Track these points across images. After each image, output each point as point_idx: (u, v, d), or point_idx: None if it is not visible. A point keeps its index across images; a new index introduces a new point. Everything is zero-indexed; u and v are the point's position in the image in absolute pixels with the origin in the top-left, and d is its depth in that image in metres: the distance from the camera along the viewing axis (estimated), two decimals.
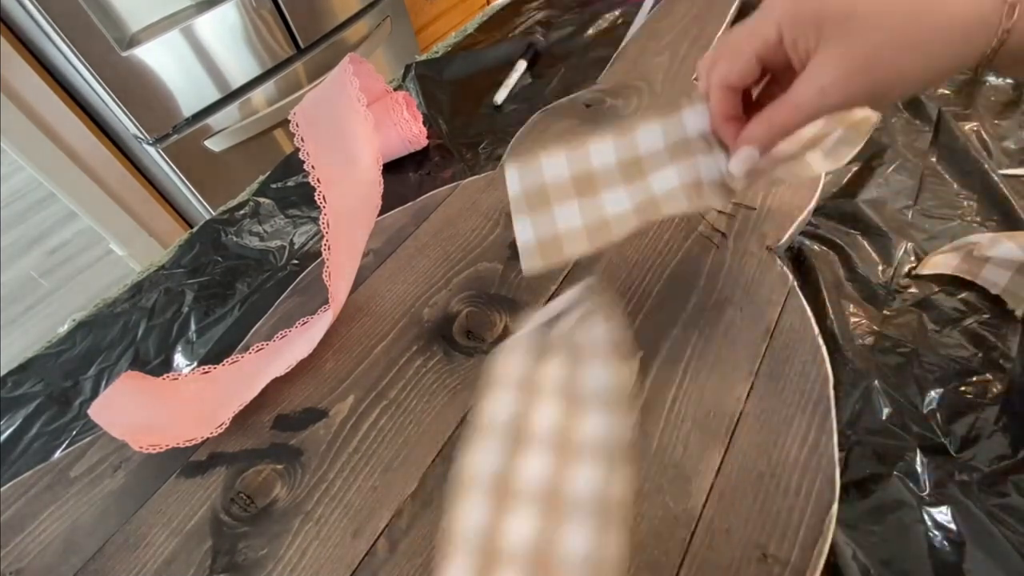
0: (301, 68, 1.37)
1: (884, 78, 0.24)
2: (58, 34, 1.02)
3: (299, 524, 0.32)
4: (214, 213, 0.55)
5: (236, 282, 0.48)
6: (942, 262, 0.37)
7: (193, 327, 0.45)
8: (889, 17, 0.23)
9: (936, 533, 0.27)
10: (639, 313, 0.38)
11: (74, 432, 0.40)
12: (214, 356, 0.42)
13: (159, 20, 1.14)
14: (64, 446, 0.39)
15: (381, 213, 0.42)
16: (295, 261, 0.48)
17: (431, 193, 0.49)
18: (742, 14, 0.64)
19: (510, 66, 0.63)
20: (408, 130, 0.53)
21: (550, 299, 0.39)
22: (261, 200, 0.55)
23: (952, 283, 0.36)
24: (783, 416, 0.31)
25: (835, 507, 0.28)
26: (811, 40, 0.25)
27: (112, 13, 1.07)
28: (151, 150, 1.24)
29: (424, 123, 0.56)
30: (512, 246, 0.43)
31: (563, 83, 0.60)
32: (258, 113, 1.33)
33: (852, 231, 0.41)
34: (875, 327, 0.35)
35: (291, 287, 0.45)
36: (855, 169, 0.44)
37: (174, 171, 1.28)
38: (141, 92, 1.15)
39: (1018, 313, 0.34)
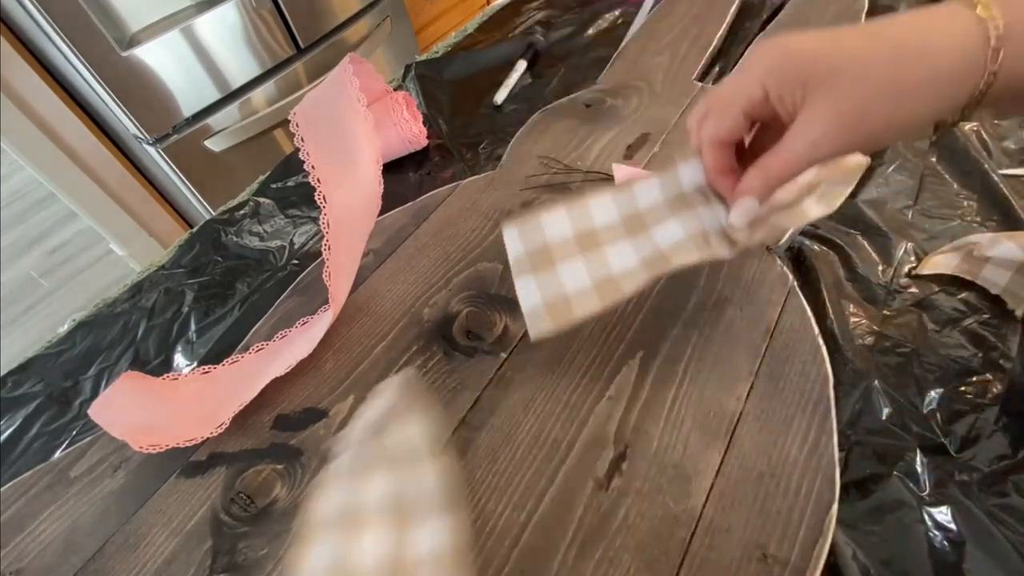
0: (301, 68, 1.37)
1: (874, 128, 0.24)
2: (58, 34, 1.02)
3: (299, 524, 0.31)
4: (214, 213, 0.55)
5: (236, 282, 0.48)
6: (942, 262, 0.37)
7: (193, 327, 0.45)
8: (874, 70, 0.23)
9: (936, 533, 0.27)
10: (639, 313, 0.38)
11: (74, 432, 0.40)
12: (214, 356, 0.42)
13: (159, 20, 1.14)
14: (64, 446, 0.39)
15: (381, 213, 0.42)
16: (295, 261, 0.48)
17: (431, 193, 0.49)
18: (742, 14, 0.64)
19: (510, 66, 0.63)
20: (408, 130, 0.53)
21: None
22: (261, 200, 0.55)
23: (952, 283, 0.36)
24: (783, 416, 0.31)
25: (835, 507, 0.28)
26: (797, 96, 0.25)
27: (112, 13, 1.07)
28: (151, 150, 1.24)
29: (424, 123, 0.56)
30: None
31: (563, 83, 0.60)
32: (258, 113, 1.33)
33: (852, 231, 0.41)
34: (875, 327, 0.35)
35: (291, 287, 0.45)
36: None
37: (174, 171, 1.28)
38: (141, 92, 1.15)
39: (1018, 313, 0.34)
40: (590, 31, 0.68)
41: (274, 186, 0.56)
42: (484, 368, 0.36)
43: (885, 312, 0.36)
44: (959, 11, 0.23)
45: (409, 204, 0.49)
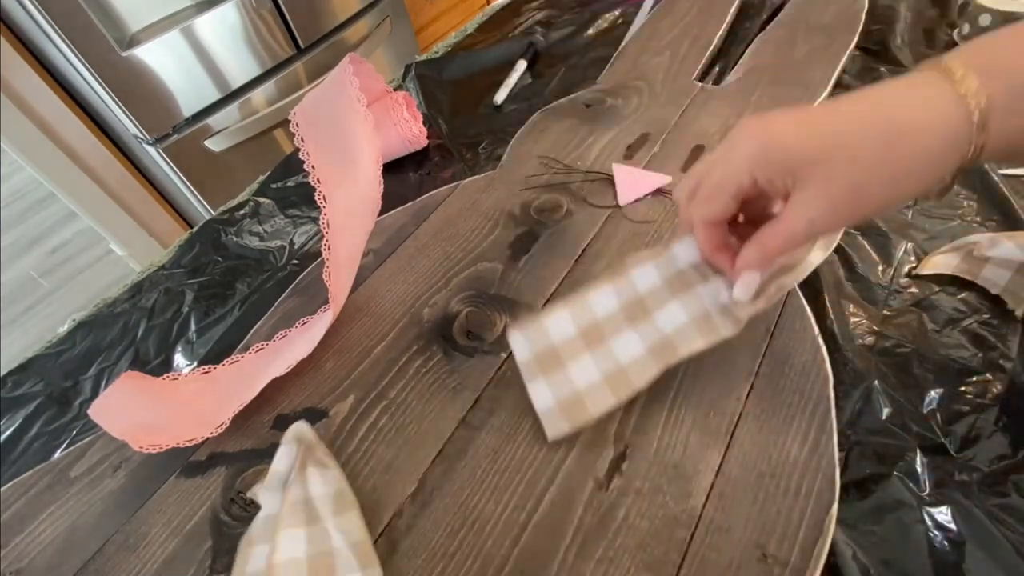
0: (301, 68, 1.37)
1: (868, 206, 0.24)
2: (58, 34, 1.02)
3: None
4: (214, 213, 0.55)
5: (236, 282, 0.48)
6: (942, 262, 0.37)
7: (193, 327, 0.45)
8: (861, 152, 0.23)
9: (936, 533, 0.27)
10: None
11: (74, 432, 0.40)
12: (214, 356, 0.42)
13: (159, 20, 1.14)
14: (64, 446, 0.39)
15: (381, 213, 0.42)
16: (295, 261, 0.48)
17: (431, 193, 0.49)
18: (742, 14, 0.64)
19: (510, 66, 0.63)
20: (408, 130, 0.53)
21: (550, 299, 0.39)
22: (261, 200, 0.55)
23: (952, 283, 0.36)
24: (783, 416, 0.31)
25: (835, 507, 0.28)
26: (788, 181, 0.25)
27: (112, 13, 1.07)
28: (151, 150, 1.24)
29: (424, 123, 0.56)
30: (512, 245, 0.43)
31: (563, 83, 0.60)
32: (258, 113, 1.33)
33: (852, 231, 0.41)
34: (875, 327, 0.35)
35: (291, 287, 0.45)
36: None
37: (174, 171, 1.28)
38: (141, 92, 1.15)
39: (1018, 313, 0.34)
40: (590, 31, 0.68)
41: (274, 186, 0.56)
42: (484, 368, 0.36)
43: (885, 312, 0.36)
44: (939, 85, 0.23)
45: (409, 204, 0.49)
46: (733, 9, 0.63)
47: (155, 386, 0.38)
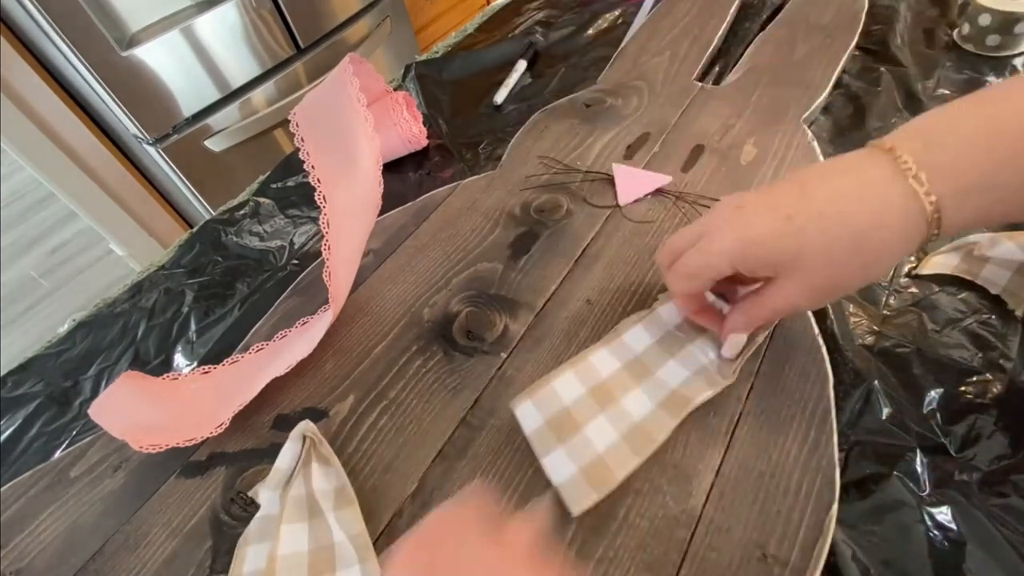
0: (301, 68, 1.37)
1: (845, 288, 0.28)
2: (58, 34, 1.02)
3: None
4: (214, 213, 0.55)
5: (236, 282, 0.48)
6: (942, 262, 0.37)
7: (193, 327, 0.45)
8: (834, 250, 0.26)
9: (936, 533, 0.27)
10: (639, 313, 0.37)
11: (74, 432, 0.40)
12: (214, 356, 0.42)
13: (159, 20, 1.14)
14: (64, 446, 0.39)
15: (381, 213, 0.42)
16: (295, 261, 0.48)
17: (431, 193, 0.49)
18: (742, 14, 0.64)
19: (510, 66, 0.63)
20: (408, 130, 0.53)
21: (549, 299, 0.39)
22: (261, 200, 0.55)
23: (952, 283, 0.36)
24: (783, 416, 0.31)
25: (835, 507, 0.28)
26: (767, 273, 0.28)
27: (112, 13, 1.07)
28: (151, 150, 1.24)
29: (424, 123, 0.56)
30: (512, 245, 0.43)
31: (563, 83, 0.60)
32: (258, 113, 1.33)
33: None
34: (875, 327, 0.35)
35: (291, 287, 0.45)
36: None
37: (174, 171, 1.28)
38: (141, 92, 1.15)
39: (1018, 313, 0.34)
40: (590, 31, 0.68)
41: (274, 186, 0.56)
42: (484, 368, 0.36)
43: (885, 312, 0.36)
44: (894, 185, 0.25)
45: (409, 204, 0.49)
46: (733, 9, 0.63)
47: (155, 386, 0.38)
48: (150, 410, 0.37)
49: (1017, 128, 0.24)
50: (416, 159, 0.55)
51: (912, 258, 0.39)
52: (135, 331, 0.46)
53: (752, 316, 0.30)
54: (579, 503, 0.28)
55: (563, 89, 0.59)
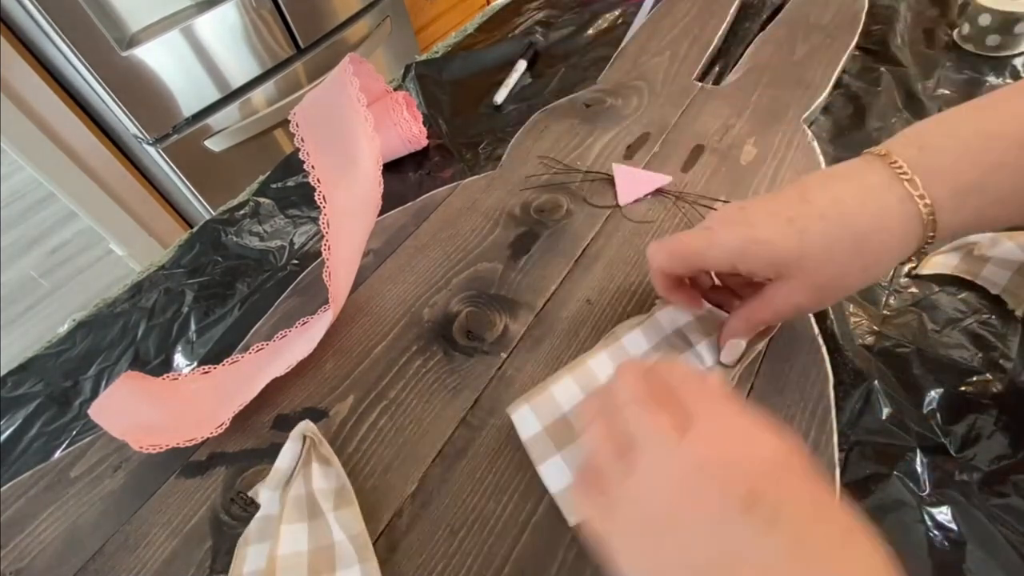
0: (301, 68, 1.37)
1: (847, 288, 0.28)
2: (58, 34, 1.02)
3: None
4: (214, 213, 0.55)
5: (236, 282, 0.48)
6: (942, 262, 0.37)
7: (193, 327, 0.45)
8: (836, 251, 0.26)
9: (936, 533, 0.27)
10: (640, 312, 0.37)
11: (74, 432, 0.40)
12: (214, 356, 0.42)
13: (159, 20, 1.14)
14: (64, 446, 0.39)
15: (381, 213, 0.42)
16: (295, 261, 0.48)
17: (431, 193, 0.49)
18: (742, 14, 0.64)
19: (510, 66, 0.63)
20: (408, 130, 0.53)
21: (549, 299, 0.39)
22: (261, 200, 0.55)
23: (952, 283, 0.36)
24: (783, 416, 0.31)
25: None
26: (769, 273, 0.28)
27: (112, 13, 1.07)
28: (151, 150, 1.24)
29: (424, 123, 0.56)
30: (512, 245, 0.43)
31: (563, 83, 0.60)
32: (258, 113, 1.33)
33: None
34: (875, 327, 0.35)
35: (291, 287, 0.45)
36: None
37: (174, 171, 1.28)
38: (141, 92, 1.15)
39: (1018, 313, 0.34)
40: (590, 31, 0.68)
41: (274, 186, 0.56)
42: (484, 368, 0.36)
43: (885, 312, 0.36)
44: (891, 190, 0.26)
45: (409, 204, 0.49)
46: (733, 9, 0.63)
47: (155, 386, 0.38)
48: (150, 410, 0.37)
49: (1009, 133, 0.25)
50: (416, 159, 0.55)
51: (912, 258, 0.39)
52: (135, 331, 0.46)
53: (753, 319, 0.30)
54: (575, 512, 0.28)
55: (563, 89, 0.59)
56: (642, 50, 0.61)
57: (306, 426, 0.33)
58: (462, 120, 0.59)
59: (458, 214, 0.47)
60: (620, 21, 0.68)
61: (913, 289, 0.37)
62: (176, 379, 0.39)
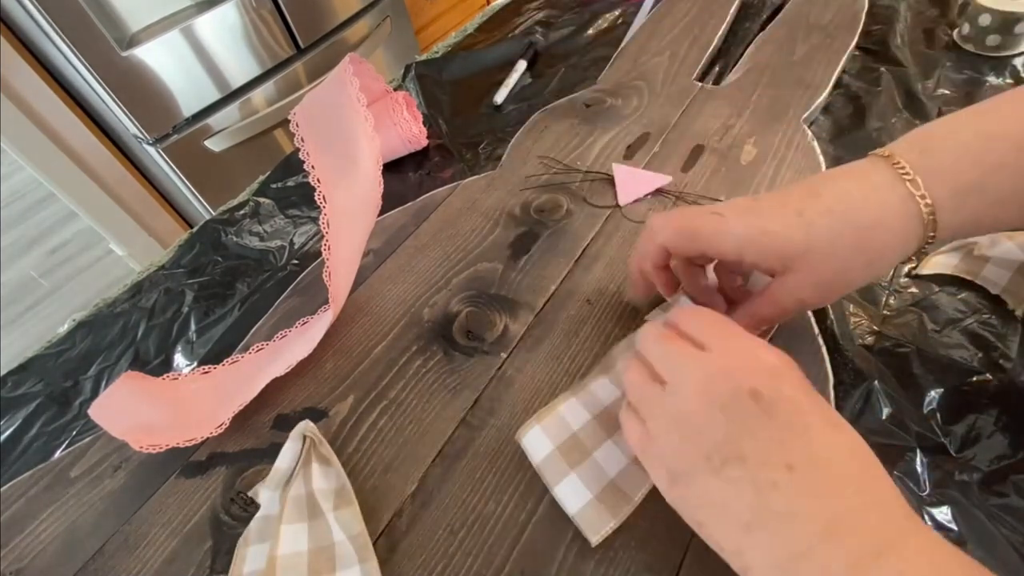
0: (301, 68, 1.38)
1: (850, 284, 0.29)
2: (58, 34, 1.02)
3: None
4: (214, 213, 0.55)
5: (236, 282, 0.48)
6: (942, 262, 0.37)
7: (193, 327, 0.45)
8: (840, 246, 0.27)
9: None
10: (639, 314, 0.38)
11: (74, 432, 0.40)
12: (214, 356, 0.42)
13: (159, 20, 1.14)
14: (64, 446, 0.39)
15: (381, 213, 0.42)
16: (295, 261, 0.48)
17: (431, 193, 0.50)
18: (742, 14, 0.64)
19: (510, 66, 0.63)
20: (408, 130, 0.53)
21: (549, 299, 0.39)
22: (261, 200, 0.55)
23: (952, 283, 0.36)
24: None
25: None
26: (774, 265, 0.28)
27: (112, 13, 1.07)
28: (151, 150, 1.24)
29: (424, 123, 0.56)
30: (512, 245, 0.43)
31: (563, 83, 0.60)
32: (258, 113, 1.33)
33: None
34: (875, 327, 0.35)
35: (291, 287, 0.45)
36: None
37: (174, 171, 1.28)
38: (141, 92, 1.15)
39: (1018, 313, 0.34)
40: (590, 31, 0.68)
41: (274, 186, 0.56)
42: (484, 368, 0.36)
43: (885, 312, 0.36)
44: (893, 188, 0.26)
45: (409, 204, 0.49)
46: (733, 9, 0.63)
47: (155, 386, 0.38)
48: (150, 410, 0.37)
49: (1010, 135, 0.26)
50: (416, 159, 0.55)
51: (912, 258, 0.39)
52: (135, 331, 0.46)
53: (756, 315, 0.30)
54: (597, 531, 0.28)
55: (563, 89, 0.59)
56: (642, 50, 0.61)
57: (306, 426, 0.33)
58: (462, 120, 0.59)
59: (458, 214, 0.47)
60: (620, 21, 0.68)
61: (913, 289, 0.37)
62: (176, 379, 0.39)
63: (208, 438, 0.35)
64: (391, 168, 0.54)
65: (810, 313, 0.35)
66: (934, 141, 0.27)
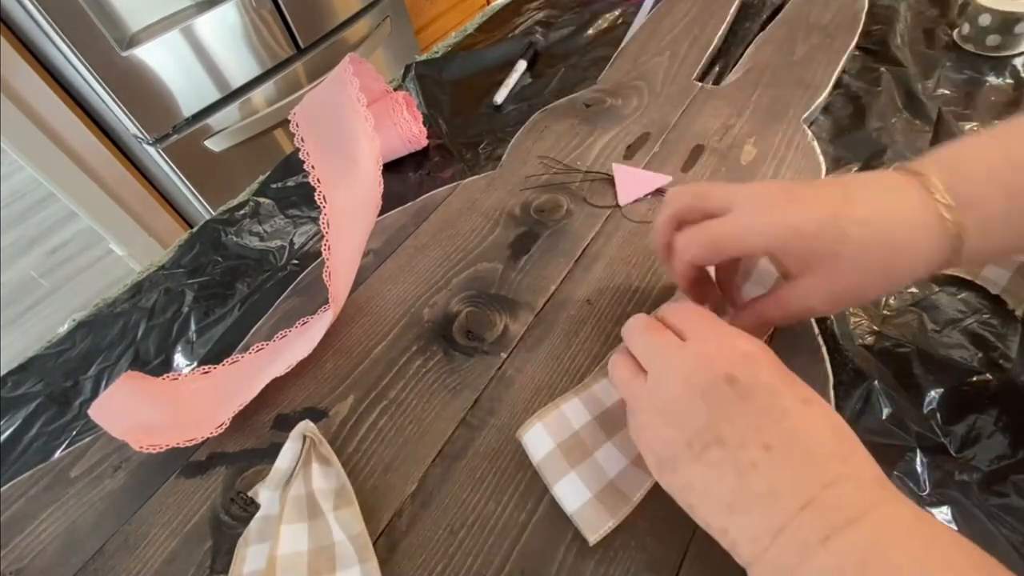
0: (301, 68, 1.38)
1: (864, 299, 0.29)
2: (58, 34, 1.02)
3: None
4: (214, 213, 0.55)
5: (236, 282, 0.48)
6: None
7: (193, 327, 0.45)
8: (867, 259, 0.27)
9: None
10: (639, 313, 0.37)
11: (74, 432, 0.40)
12: (214, 356, 0.42)
13: (159, 20, 1.14)
14: (64, 446, 0.39)
15: (381, 213, 0.42)
16: (295, 261, 0.48)
17: (431, 193, 0.50)
18: (742, 14, 0.64)
19: (510, 66, 0.63)
20: (408, 130, 0.53)
21: (549, 299, 0.39)
22: (261, 200, 0.55)
23: (952, 283, 0.36)
24: None
25: None
26: (798, 267, 0.28)
27: (112, 13, 1.07)
28: (151, 150, 1.24)
29: (424, 123, 0.56)
30: (512, 245, 0.43)
31: (563, 83, 0.60)
32: (258, 113, 1.33)
33: None
34: (875, 327, 0.35)
35: (291, 287, 0.45)
36: (855, 169, 0.44)
37: (174, 171, 1.28)
38: (141, 92, 1.15)
39: (1018, 313, 0.34)
40: (590, 31, 0.68)
41: (274, 186, 0.56)
42: (484, 368, 0.36)
43: (885, 312, 0.36)
44: (926, 208, 0.26)
45: (409, 204, 0.49)
46: (733, 9, 0.63)
47: (155, 386, 0.38)
48: (150, 410, 0.37)
49: None
50: (416, 159, 0.55)
51: None
52: (135, 331, 0.46)
53: (762, 317, 0.30)
54: (595, 530, 0.28)
55: (563, 89, 0.59)
56: (642, 50, 0.61)
57: (306, 426, 0.33)
58: (462, 120, 0.59)
59: (458, 214, 0.47)
60: (620, 21, 0.68)
61: (913, 289, 0.37)
62: (176, 379, 0.39)
63: (208, 438, 0.35)
64: (391, 168, 0.54)
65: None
66: (964, 165, 0.27)
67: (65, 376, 0.44)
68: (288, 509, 0.30)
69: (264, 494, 0.31)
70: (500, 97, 0.60)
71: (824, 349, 0.34)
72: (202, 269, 0.49)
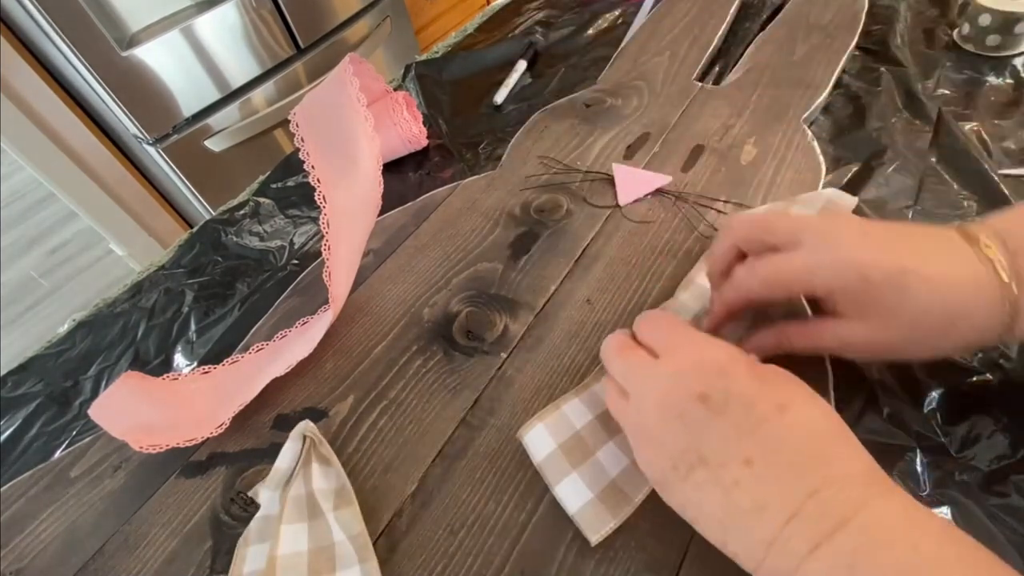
0: (301, 68, 1.38)
1: (898, 354, 0.28)
2: (58, 34, 1.02)
3: None
4: (214, 213, 0.55)
5: (236, 282, 0.48)
6: None
7: (193, 327, 0.45)
8: (927, 320, 0.25)
9: None
10: (638, 313, 0.37)
11: (74, 432, 0.40)
12: (214, 356, 0.42)
13: (159, 20, 1.15)
14: (64, 446, 0.39)
15: (381, 213, 0.42)
16: (295, 261, 0.48)
17: (431, 193, 0.50)
18: (742, 14, 0.64)
19: (510, 66, 0.63)
20: (408, 130, 0.53)
21: (549, 299, 0.39)
22: (261, 200, 0.55)
23: None
24: None
25: None
26: (847, 310, 0.27)
27: (112, 13, 1.07)
28: (151, 150, 1.24)
29: (424, 123, 0.56)
30: (512, 245, 0.43)
31: (563, 83, 0.60)
32: (258, 113, 1.33)
33: None
34: None
35: (291, 287, 0.45)
36: (855, 169, 0.44)
37: (174, 171, 1.28)
38: (141, 92, 1.15)
39: None
40: (590, 31, 0.68)
41: (274, 186, 0.56)
42: (484, 368, 0.36)
43: None
44: (989, 277, 0.24)
45: (409, 204, 0.49)
46: (733, 9, 0.63)
47: (155, 386, 0.38)
48: (150, 410, 0.37)
49: None
50: (416, 159, 0.55)
51: None
52: (135, 331, 0.46)
53: (789, 341, 0.30)
54: (597, 530, 0.28)
55: (563, 89, 0.59)
56: (642, 50, 0.61)
57: (306, 426, 0.33)
58: (462, 120, 0.59)
59: (458, 214, 0.47)
60: (620, 21, 0.68)
61: None
62: (176, 379, 0.39)
63: (208, 438, 0.35)
64: (391, 168, 0.54)
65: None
66: (1020, 242, 0.25)
67: (65, 376, 0.44)
68: (288, 509, 0.30)
69: (264, 494, 0.31)
70: (500, 97, 0.60)
71: None
72: (202, 269, 0.49)
